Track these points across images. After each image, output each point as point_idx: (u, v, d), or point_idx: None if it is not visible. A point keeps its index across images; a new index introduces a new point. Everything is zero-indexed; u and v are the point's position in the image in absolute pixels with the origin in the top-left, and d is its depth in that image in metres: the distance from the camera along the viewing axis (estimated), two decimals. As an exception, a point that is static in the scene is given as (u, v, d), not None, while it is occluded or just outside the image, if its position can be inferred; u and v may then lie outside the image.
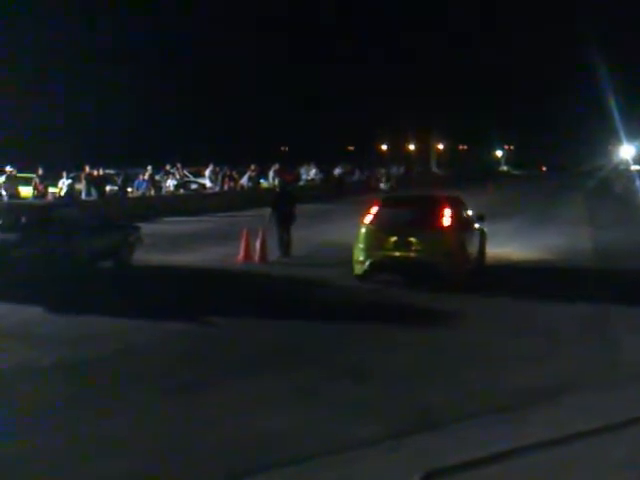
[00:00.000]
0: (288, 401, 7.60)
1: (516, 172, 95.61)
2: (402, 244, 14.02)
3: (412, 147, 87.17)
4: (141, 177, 31.97)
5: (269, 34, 63.89)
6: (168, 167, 35.87)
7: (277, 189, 22.56)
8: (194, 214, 28.99)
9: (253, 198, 32.82)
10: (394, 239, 14.07)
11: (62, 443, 6.40)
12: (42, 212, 14.77)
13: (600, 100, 56.46)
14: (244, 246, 17.28)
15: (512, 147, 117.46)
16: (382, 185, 28.21)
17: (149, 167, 32.56)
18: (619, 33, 66.34)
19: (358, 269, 14.30)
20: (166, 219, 27.41)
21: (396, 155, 78.45)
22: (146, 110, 54.07)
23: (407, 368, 8.85)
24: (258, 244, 17.31)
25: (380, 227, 14.37)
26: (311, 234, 21.89)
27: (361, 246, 14.30)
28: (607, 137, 73.34)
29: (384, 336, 10.39)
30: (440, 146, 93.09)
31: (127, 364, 8.94)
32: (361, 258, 14.23)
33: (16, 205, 17.89)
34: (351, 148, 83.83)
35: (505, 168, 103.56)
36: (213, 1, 61.44)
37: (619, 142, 66.02)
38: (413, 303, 12.72)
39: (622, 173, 58.10)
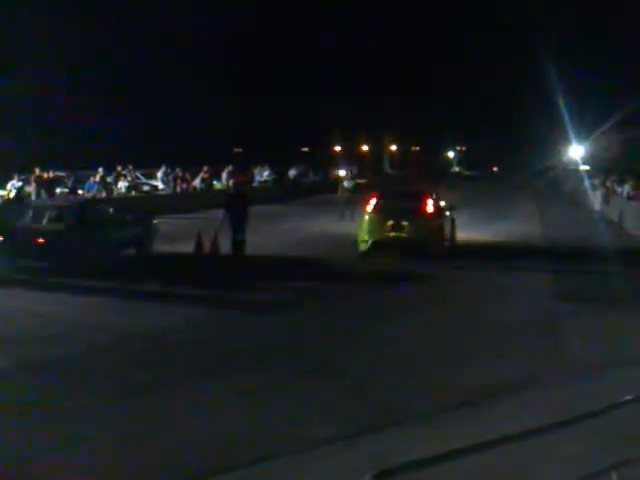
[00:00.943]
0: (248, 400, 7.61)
1: (468, 173, 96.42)
2: (396, 227, 18.19)
3: (365, 148, 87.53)
4: (92, 179, 31.54)
5: (223, 33, 63.45)
6: (119, 169, 35.45)
7: (230, 190, 22.47)
8: (146, 216, 28.69)
9: (206, 200, 32.62)
10: (390, 223, 18.21)
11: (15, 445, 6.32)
12: (82, 207, 17.37)
13: (549, 101, 57.28)
14: (196, 247, 17.19)
15: (464, 148, 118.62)
16: (346, 183, 28.35)
17: (100, 169, 32.15)
18: (568, 34, 67.31)
19: (362, 247, 18.45)
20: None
21: (350, 156, 78.63)
22: (97, 111, 53.40)
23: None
24: (211, 245, 17.23)
25: (379, 214, 18.45)
26: (264, 236, 21.91)
27: (365, 229, 18.46)
28: (556, 137, 74.26)
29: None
30: (393, 147, 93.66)
31: (83, 365, 8.90)
32: (365, 238, 18.37)
33: (62, 201, 20.65)
34: (305, 149, 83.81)
35: (457, 169, 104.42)
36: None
37: (568, 142, 66.91)
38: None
39: (571, 173, 59.00)
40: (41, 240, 14.81)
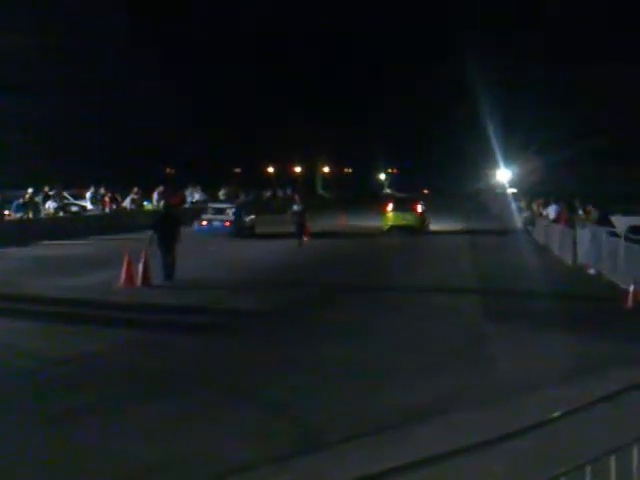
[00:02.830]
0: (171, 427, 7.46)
1: (400, 195, 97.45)
2: (402, 218, 33.95)
3: (298, 169, 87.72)
4: (20, 200, 30.76)
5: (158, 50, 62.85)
6: (47, 189, 34.72)
7: (161, 210, 22.22)
8: (75, 237, 28.22)
9: (136, 221, 32.25)
10: (399, 216, 34.05)
11: None
12: (239, 208, 32.63)
13: (478, 124, 58.64)
14: (126, 270, 16.83)
15: (396, 170, 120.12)
16: (295, 207, 29.15)
17: (30, 190, 31.37)
18: (496, 57, 68.90)
19: (385, 228, 33.96)
20: (45, 242, 26.57)
21: (282, 177, 78.73)
22: (24, 129, 52.36)
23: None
24: (140, 268, 16.92)
25: (393, 211, 34.39)
26: (193, 258, 21.75)
27: (386, 219, 34.32)
28: (485, 161, 76.02)
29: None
30: (326, 169, 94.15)
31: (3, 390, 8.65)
32: (388, 224, 34.10)
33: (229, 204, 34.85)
34: (238, 170, 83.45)
35: (389, 191, 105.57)
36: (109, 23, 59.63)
37: (496, 166, 68.56)
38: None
39: (499, 196, 60.26)
40: (227, 223, 30.50)
